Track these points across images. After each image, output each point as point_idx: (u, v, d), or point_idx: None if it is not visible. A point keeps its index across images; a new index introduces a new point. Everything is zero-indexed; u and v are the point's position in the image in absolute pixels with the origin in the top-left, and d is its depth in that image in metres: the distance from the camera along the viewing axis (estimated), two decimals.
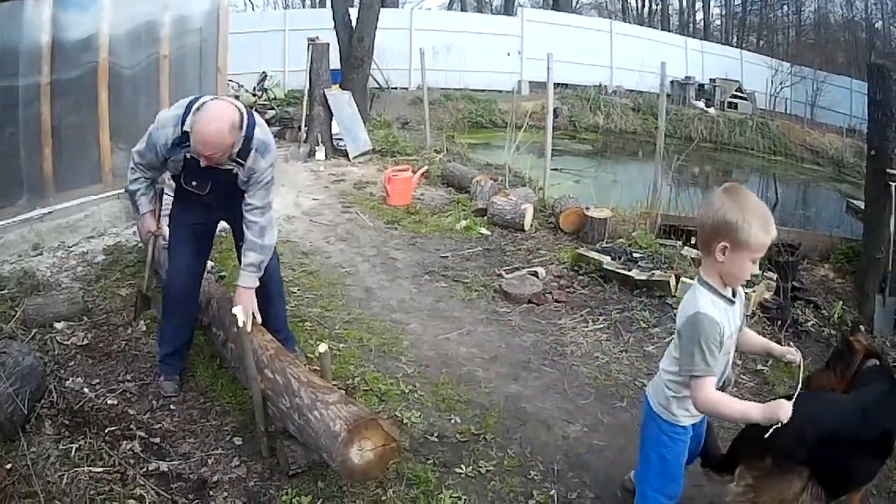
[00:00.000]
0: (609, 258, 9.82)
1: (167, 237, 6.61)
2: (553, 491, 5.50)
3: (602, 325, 8.42)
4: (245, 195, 6.00)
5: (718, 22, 54.35)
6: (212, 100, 5.62)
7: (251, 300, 6.05)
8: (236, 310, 5.35)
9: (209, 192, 6.01)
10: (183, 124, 5.64)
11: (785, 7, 50.02)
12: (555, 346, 7.93)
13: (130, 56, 10.86)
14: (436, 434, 6.12)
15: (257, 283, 6.13)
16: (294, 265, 9.87)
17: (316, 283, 9.35)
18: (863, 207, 10.36)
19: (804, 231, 12.29)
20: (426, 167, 15.33)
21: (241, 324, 5.26)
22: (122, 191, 10.57)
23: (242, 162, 5.78)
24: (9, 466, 5.20)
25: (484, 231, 11.71)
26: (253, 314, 5.94)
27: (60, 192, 10.08)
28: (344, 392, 5.51)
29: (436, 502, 5.28)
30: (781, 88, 33.43)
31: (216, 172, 5.81)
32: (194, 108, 5.61)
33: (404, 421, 6.22)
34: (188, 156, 5.76)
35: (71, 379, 6.56)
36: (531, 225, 11.82)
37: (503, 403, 6.67)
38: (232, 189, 6.00)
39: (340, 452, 4.48)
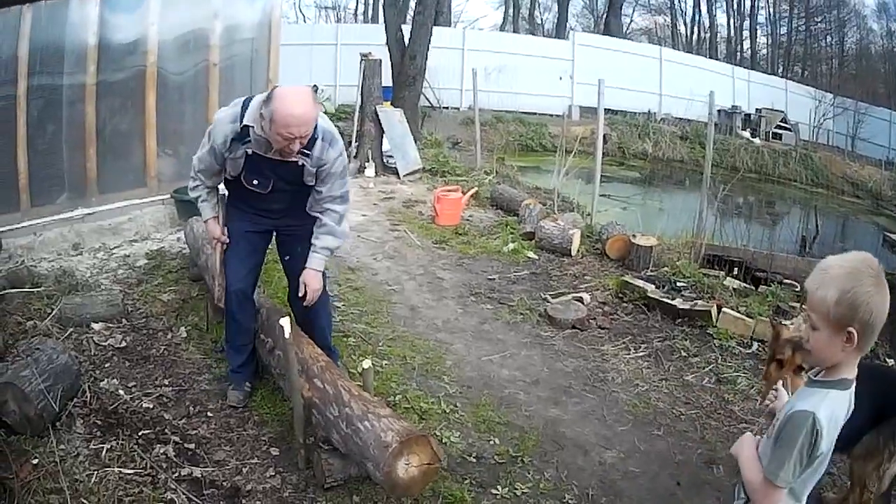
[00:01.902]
0: (653, 286, 9.73)
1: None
2: None
3: (643, 353, 8.30)
4: (321, 189, 5.95)
5: (765, 51, 54.30)
6: (272, 89, 5.51)
7: (320, 282, 6.10)
8: (283, 321, 5.28)
9: (271, 191, 5.93)
10: (241, 120, 5.58)
11: (829, 37, 49.90)
12: (596, 372, 7.83)
13: (179, 62, 10.88)
14: (474, 454, 6.04)
15: (324, 268, 6.13)
16: (340, 280, 9.80)
17: (361, 299, 9.27)
18: None
19: None
20: (476, 188, 15.21)
21: (287, 335, 5.19)
22: (168, 196, 10.57)
23: (309, 152, 5.69)
24: (35, 461, 5.16)
25: (531, 255, 11.57)
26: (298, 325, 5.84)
27: (103, 193, 10.08)
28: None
29: None
30: (824, 119, 33.15)
31: (280, 168, 5.74)
32: (253, 103, 5.57)
33: (444, 440, 6.12)
34: (249, 152, 5.68)
35: (106, 380, 6.51)
36: (578, 250, 11.69)
37: (542, 427, 6.59)
38: (295, 187, 5.95)
39: (388, 463, 4.43)
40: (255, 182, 5.86)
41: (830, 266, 3.06)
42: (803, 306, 3.38)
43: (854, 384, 3.12)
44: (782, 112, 32.75)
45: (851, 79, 42.64)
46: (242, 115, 5.58)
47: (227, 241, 6.28)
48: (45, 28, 9.09)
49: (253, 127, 5.52)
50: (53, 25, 9.19)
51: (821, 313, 3.01)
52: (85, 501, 4.84)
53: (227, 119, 5.66)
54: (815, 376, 3.23)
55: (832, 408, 3.04)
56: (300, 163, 5.73)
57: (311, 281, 6.03)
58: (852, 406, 3.18)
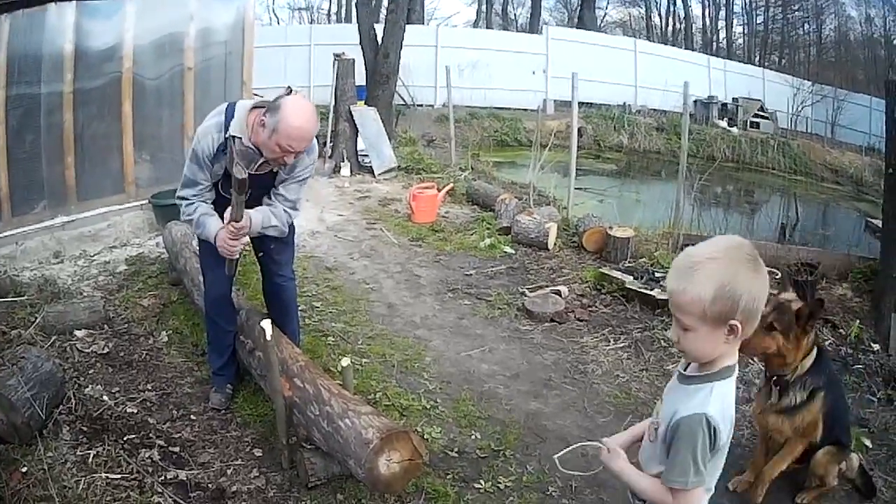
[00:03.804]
0: (631, 278, 9.76)
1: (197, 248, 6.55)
2: None
3: (623, 344, 8.34)
4: (278, 187, 5.96)
5: (741, 41, 54.38)
6: (283, 97, 5.44)
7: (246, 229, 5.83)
8: (265, 323, 5.30)
9: (247, 198, 5.83)
10: (226, 130, 5.57)
11: (806, 25, 49.98)
12: (576, 364, 7.86)
13: (155, 67, 10.94)
14: (456, 449, 6.08)
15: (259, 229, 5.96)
16: (318, 280, 9.85)
17: (339, 298, 9.31)
18: (881, 226, 10.27)
19: (823, 250, 12.11)
20: (451, 185, 15.23)
21: (268, 337, 5.23)
22: (146, 201, 10.61)
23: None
24: (24, 470, 5.19)
25: (508, 249, 11.63)
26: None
27: (83, 200, 10.14)
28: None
29: None
30: (803, 107, 33.20)
31: (258, 176, 5.71)
32: (238, 112, 5.60)
33: (425, 436, 6.15)
34: None
35: (90, 386, 6.53)
36: (555, 244, 11.74)
37: (523, 420, 6.63)
38: (268, 192, 5.98)
39: (370, 459, 4.46)
40: (232, 190, 5.82)
41: (698, 261, 2.86)
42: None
43: (736, 367, 3.06)
44: (759, 101, 32.82)
45: (830, 66, 42.76)
46: (227, 125, 5.58)
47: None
48: (22, 36, 9.15)
49: (239, 138, 5.53)
50: (31, 34, 9.24)
51: (695, 314, 2.85)
52: None
53: (212, 129, 5.63)
54: (686, 370, 3.15)
55: (721, 400, 2.95)
56: (275, 170, 5.78)
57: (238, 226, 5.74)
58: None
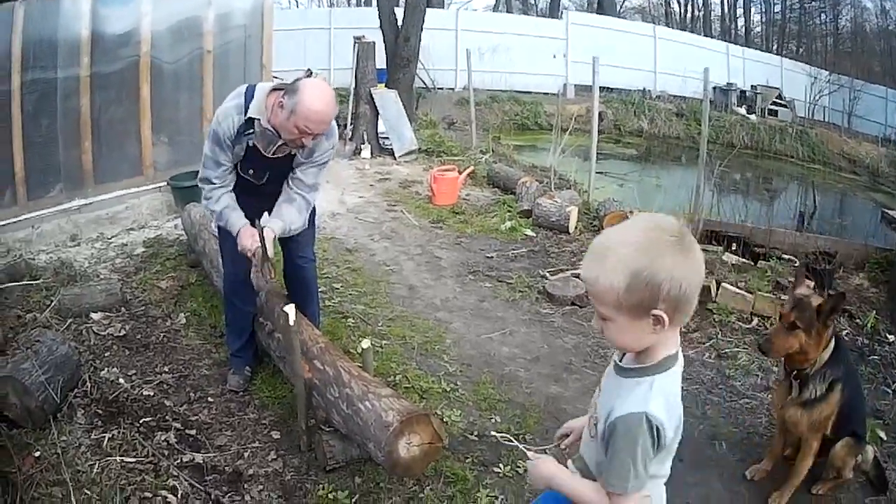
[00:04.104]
0: None
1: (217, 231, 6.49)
2: None
3: None
4: (296, 171, 5.90)
5: (759, 29, 54.13)
6: (302, 79, 5.39)
7: (259, 242, 5.74)
8: (288, 308, 5.27)
9: (265, 182, 5.90)
10: (246, 111, 5.52)
11: (823, 15, 49.74)
12: (596, 348, 7.79)
13: (173, 51, 10.89)
14: (475, 433, 6.02)
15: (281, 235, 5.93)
16: (338, 262, 9.81)
17: (360, 280, 9.28)
18: None
19: (841, 240, 12.01)
20: (472, 167, 15.24)
21: (291, 321, 5.19)
22: (164, 184, 10.58)
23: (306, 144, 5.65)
24: (37, 454, 5.16)
25: (529, 232, 11.57)
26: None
27: (100, 183, 10.11)
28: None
29: (473, 501, 5.19)
30: (820, 97, 33.03)
31: (276, 160, 5.70)
32: (258, 93, 5.55)
33: (445, 419, 6.10)
34: (251, 143, 5.61)
35: (106, 369, 6.51)
36: (575, 227, 11.69)
37: (543, 404, 6.58)
38: (287, 173, 5.93)
39: (389, 442, 4.41)
40: (251, 172, 5.82)
41: (611, 245, 2.55)
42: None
43: (680, 357, 2.77)
44: (778, 89, 32.65)
45: (846, 56, 42.53)
46: (247, 107, 5.53)
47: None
48: (37, 22, 9.11)
49: (258, 119, 5.49)
50: (46, 20, 9.20)
51: (610, 304, 2.55)
52: (87, 492, 4.85)
53: (232, 112, 5.57)
54: (622, 361, 2.82)
55: (663, 394, 2.64)
56: (293, 152, 5.72)
57: (259, 237, 5.71)
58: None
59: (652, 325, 2.54)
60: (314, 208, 6.35)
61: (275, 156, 5.60)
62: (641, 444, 2.58)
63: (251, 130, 5.53)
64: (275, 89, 5.56)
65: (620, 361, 2.82)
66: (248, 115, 5.49)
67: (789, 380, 5.11)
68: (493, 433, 4.46)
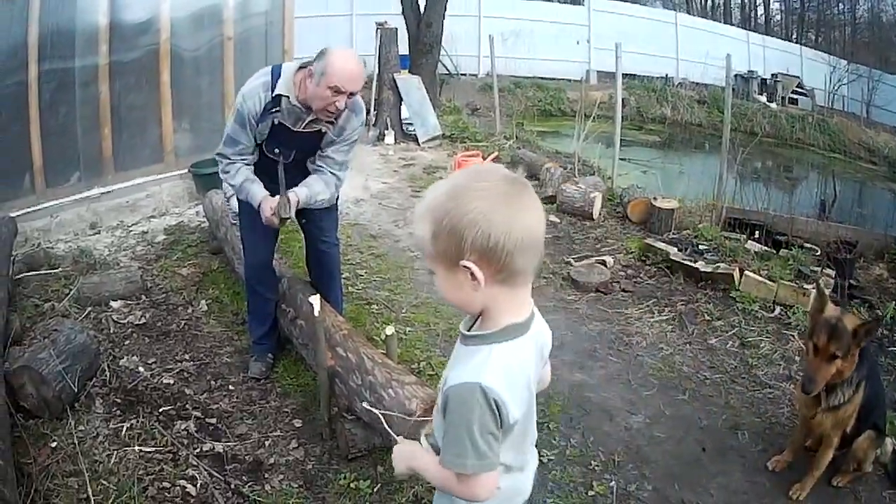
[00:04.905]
0: (675, 249, 9.64)
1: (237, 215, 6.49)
2: (612, 482, 5.37)
3: (667, 317, 8.21)
4: (327, 150, 5.89)
5: (778, 17, 54.05)
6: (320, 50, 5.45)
7: (286, 209, 5.72)
8: (313, 298, 5.24)
9: (291, 160, 5.87)
10: (273, 89, 5.52)
11: (840, 4, 49.63)
12: (620, 335, 7.75)
13: (193, 38, 10.85)
14: None
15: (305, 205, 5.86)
16: (362, 248, 9.78)
17: (384, 266, 9.24)
18: None
19: (860, 229, 11.88)
20: (496, 153, 15.16)
21: (317, 313, 5.15)
22: (186, 171, 10.55)
23: (335, 121, 5.66)
24: (54, 444, 5.12)
25: (553, 218, 11.44)
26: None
27: (120, 171, 10.07)
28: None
29: None
30: (839, 86, 32.92)
31: (304, 136, 5.69)
32: (285, 72, 5.53)
33: None
34: (276, 122, 5.59)
35: (126, 358, 6.49)
36: (599, 213, 11.64)
37: (568, 392, 6.53)
38: (314, 151, 5.92)
39: (412, 431, 4.23)
40: (277, 150, 5.79)
41: (427, 192, 2.38)
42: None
43: (533, 325, 2.52)
44: (798, 77, 32.61)
45: (864, 46, 42.44)
46: (273, 85, 5.52)
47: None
48: (54, 12, 9.07)
49: (287, 97, 5.48)
50: (63, 9, 9.16)
51: (427, 253, 2.35)
52: (104, 482, 4.81)
53: (259, 88, 5.57)
54: (467, 329, 2.53)
55: (504, 366, 2.37)
56: (322, 130, 5.69)
57: (283, 202, 5.69)
58: (548, 344, 2.69)
59: (471, 279, 2.28)
60: (338, 194, 6.33)
61: (304, 130, 5.60)
62: (479, 418, 2.31)
63: (277, 108, 5.52)
64: (301, 67, 5.56)
65: (468, 330, 2.53)
66: (276, 92, 5.49)
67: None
68: (363, 405, 4.32)
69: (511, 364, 2.39)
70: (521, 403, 2.43)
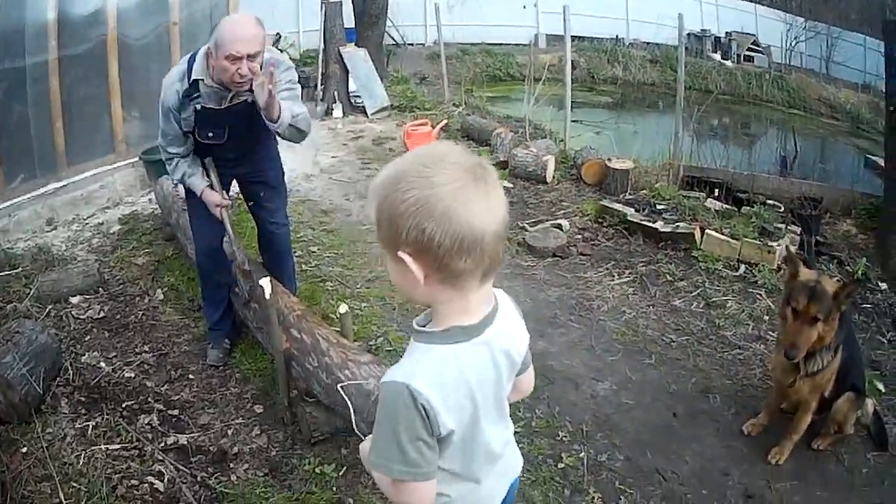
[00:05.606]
0: (633, 210, 9.67)
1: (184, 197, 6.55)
2: (582, 453, 5.43)
3: (628, 279, 8.27)
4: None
5: None
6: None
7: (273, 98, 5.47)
8: (263, 281, 5.26)
9: (227, 139, 5.86)
10: (189, 76, 5.51)
11: None
12: (581, 300, 7.80)
13: (140, 26, 10.78)
14: None
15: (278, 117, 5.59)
16: (314, 224, 9.81)
17: (336, 241, 9.26)
18: (882, 164, 10.20)
19: (825, 185, 11.93)
20: (445, 121, 15.18)
21: (268, 295, 5.18)
22: (137, 159, 10.54)
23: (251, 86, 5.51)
24: (24, 450, 5.16)
25: (506, 184, 11.38)
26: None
27: (73, 164, 10.04)
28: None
29: None
30: (796, 43, 32.96)
31: (232, 113, 5.68)
32: (198, 56, 5.51)
33: None
34: (199, 107, 5.60)
35: (87, 354, 6.51)
36: (553, 177, 11.68)
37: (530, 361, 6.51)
38: (249, 127, 5.86)
39: (372, 412, 4.30)
40: (210, 134, 5.81)
41: (379, 173, 2.14)
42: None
43: (488, 329, 2.28)
44: (753, 35, 32.62)
45: (822, 4, 42.40)
46: (189, 72, 5.53)
47: (229, 203, 6.23)
48: (4, 11, 9.04)
49: (202, 80, 5.49)
50: (12, 8, 9.13)
51: (376, 237, 2.18)
52: (75, 484, 4.86)
53: (175, 78, 5.58)
54: (421, 325, 2.33)
55: (440, 371, 2.17)
56: (249, 100, 5.60)
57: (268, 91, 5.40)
58: (520, 351, 2.48)
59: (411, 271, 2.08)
60: (282, 170, 6.51)
61: (231, 104, 5.62)
62: (405, 422, 2.12)
63: (198, 93, 5.55)
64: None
65: (421, 325, 2.33)
66: (193, 77, 5.50)
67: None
68: (337, 387, 4.43)
69: (449, 370, 2.19)
70: (460, 413, 2.23)
